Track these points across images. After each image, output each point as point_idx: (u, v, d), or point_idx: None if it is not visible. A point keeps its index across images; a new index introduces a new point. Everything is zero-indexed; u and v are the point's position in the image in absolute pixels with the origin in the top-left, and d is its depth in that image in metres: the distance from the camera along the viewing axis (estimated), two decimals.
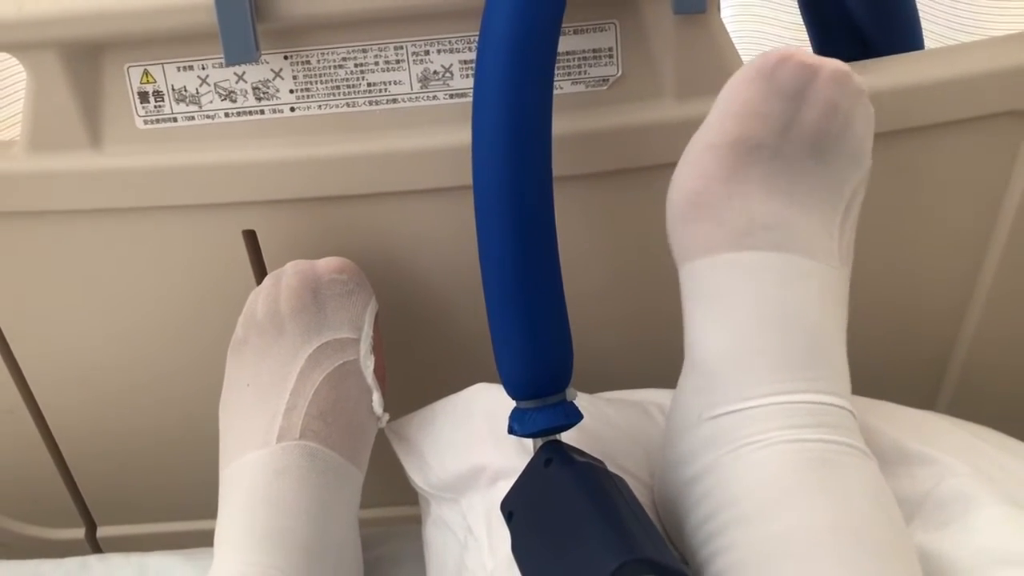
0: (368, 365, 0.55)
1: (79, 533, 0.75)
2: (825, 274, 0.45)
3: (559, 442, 0.47)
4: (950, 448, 0.49)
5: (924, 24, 0.72)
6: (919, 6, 0.71)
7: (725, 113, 0.45)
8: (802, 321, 0.43)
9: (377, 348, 0.56)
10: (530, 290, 0.45)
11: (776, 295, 0.44)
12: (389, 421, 0.59)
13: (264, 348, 0.54)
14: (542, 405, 0.47)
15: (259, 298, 0.55)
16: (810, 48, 0.74)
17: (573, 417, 0.47)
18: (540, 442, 0.48)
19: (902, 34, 0.69)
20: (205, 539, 0.67)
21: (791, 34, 0.94)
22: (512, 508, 0.46)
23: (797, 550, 0.39)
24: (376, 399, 0.55)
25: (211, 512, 0.70)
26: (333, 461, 0.52)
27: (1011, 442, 0.52)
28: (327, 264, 0.55)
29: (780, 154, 0.45)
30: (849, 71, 0.46)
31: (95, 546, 0.75)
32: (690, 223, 0.45)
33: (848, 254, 0.47)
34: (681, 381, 0.47)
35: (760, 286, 0.44)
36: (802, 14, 0.74)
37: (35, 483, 0.72)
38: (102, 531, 0.75)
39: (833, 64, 0.45)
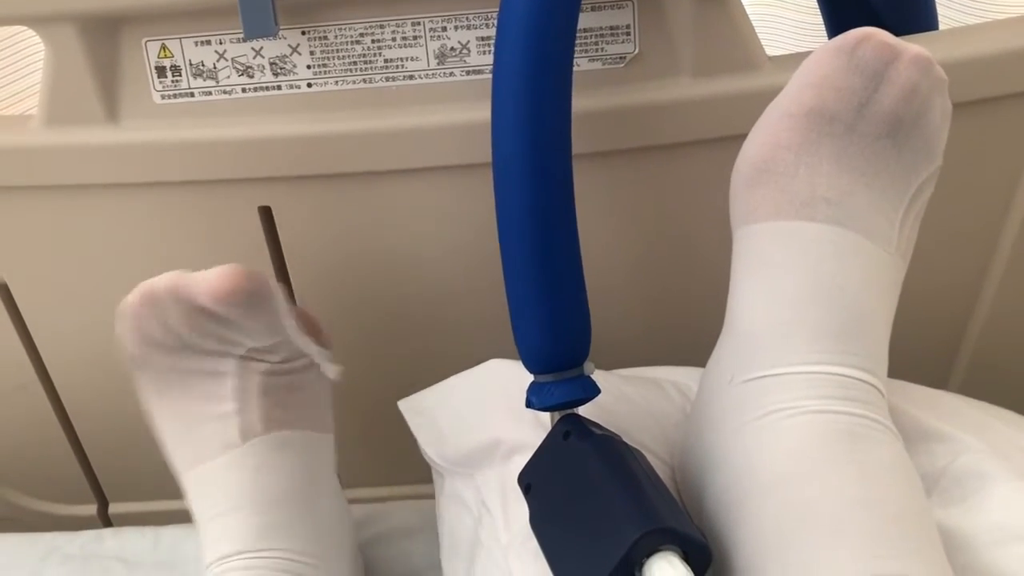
0: (309, 349, 0.52)
1: (91, 510, 0.75)
2: (879, 257, 0.45)
3: (577, 415, 0.47)
4: (966, 425, 0.50)
5: (939, 9, 0.73)
6: None
7: (803, 84, 0.45)
8: (847, 297, 0.44)
9: (308, 323, 0.53)
10: (549, 264, 0.46)
11: (826, 268, 0.44)
12: (400, 397, 0.59)
13: (176, 364, 0.51)
14: (560, 379, 0.47)
15: (141, 322, 0.50)
16: (824, 30, 0.74)
17: (591, 391, 0.47)
18: (557, 416, 0.48)
19: (916, 15, 0.69)
20: None
21: (806, 17, 0.94)
22: (530, 481, 0.47)
23: (820, 521, 0.39)
24: (327, 368, 0.53)
25: None
26: (304, 440, 0.53)
27: (1021, 419, 0.53)
28: (208, 289, 0.47)
29: (854, 131, 0.45)
30: (932, 58, 0.45)
31: (107, 522, 0.76)
32: (754, 188, 0.46)
33: (907, 248, 0.47)
34: (718, 344, 0.47)
35: (812, 257, 0.44)
36: None
37: (48, 459, 0.72)
38: (114, 507, 0.75)
39: (916, 49, 0.45)
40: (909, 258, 0.47)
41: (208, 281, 0.47)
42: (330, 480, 0.55)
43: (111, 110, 0.56)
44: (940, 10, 0.73)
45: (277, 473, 0.51)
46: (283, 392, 0.53)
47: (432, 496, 0.59)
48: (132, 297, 0.50)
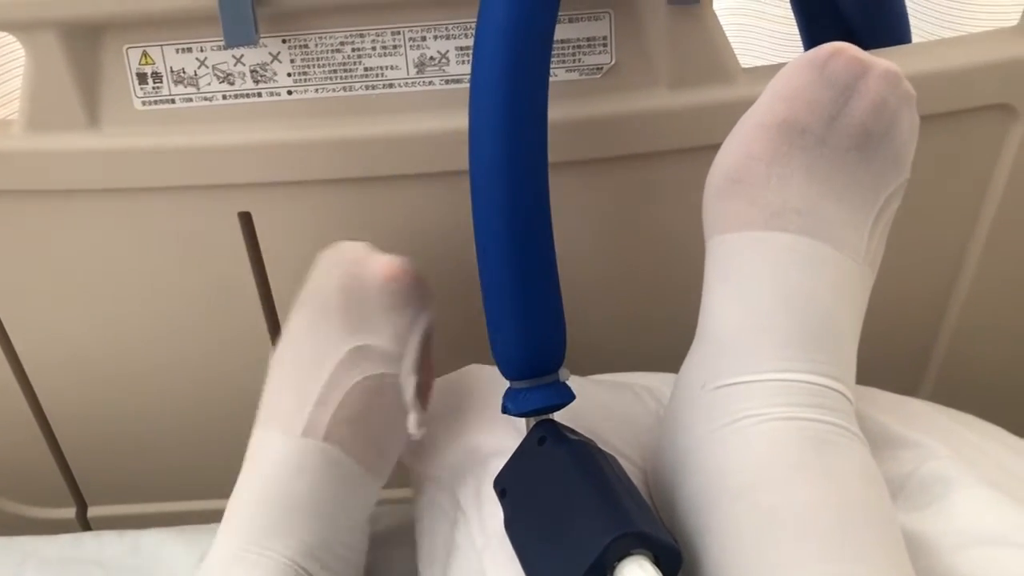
0: (409, 384, 0.52)
1: (70, 513, 0.75)
2: (848, 267, 0.46)
3: (552, 421, 0.48)
4: (932, 432, 0.51)
5: (912, 21, 0.74)
6: (908, 4, 0.72)
7: (775, 96, 0.46)
8: (816, 306, 0.44)
9: (426, 366, 0.54)
10: (525, 271, 0.46)
11: (796, 277, 0.44)
12: None
13: (314, 322, 0.53)
14: (536, 385, 0.48)
15: (316, 273, 0.54)
16: (800, 42, 0.75)
17: (566, 397, 0.48)
18: (533, 422, 0.48)
19: (890, 29, 0.70)
20: (195, 519, 0.67)
21: (783, 28, 0.95)
22: (505, 485, 0.47)
23: (787, 525, 0.40)
24: (412, 420, 0.53)
25: (201, 493, 0.71)
26: (352, 470, 0.52)
27: (990, 427, 0.54)
28: (380, 269, 0.52)
29: (825, 143, 0.45)
30: (900, 73, 0.46)
31: (85, 526, 0.76)
32: (726, 198, 0.46)
33: (876, 258, 0.48)
34: (691, 351, 0.48)
35: (781, 267, 0.45)
36: (793, 8, 0.75)
37: (26, 462, 0.72)
38: (93, 511, 0.75)
39: (885, 64, 0.46)
40: (877, 268, 0.48)
41: (386, 261, 0.52)
42: (359, 521, 0.54)
43: (92, 116, 0.56)
44: (913, 22, 0.75)
45: (311, 484, 0.50)
46: (362, 412, 0.52)
47: (409, 501, 0.59)
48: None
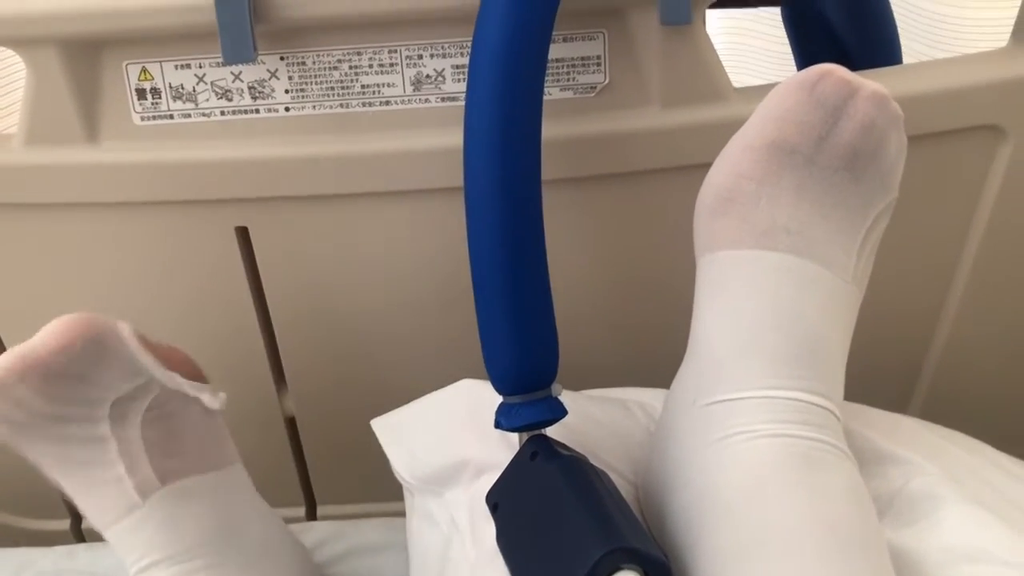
0: (176, 384, 0.50)
1: (64, 524, 0.75)
2: (837, 286, 0.46)
3: (544, 436, 0.48)
4: (920, 449, 0.51)
5: (903, 42, 0.75)
6: (899, 24, 0.73)
7: (765, 117, 0.47)
8: (806, 324, 0.45)
9: (172, 358, 0.51)
10: (519, 287, 0.47)
11: (786, 296, 0.45)
12: (372, 416, 0.60)
13: (49, 432, 0.49)
14: (528, 400, 0.48)
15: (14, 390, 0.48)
16: (793, 62, 0.76)
17: (558, 412, 0.49)
18: (525, 437, 0.49)
19: (882, 49, 0.71)
20: None
21: (776, 47, 0.96)
22: (497, 500, 0.48)
23: (775, 542, 0.41)
24: (206, 399, 0.51)
25: None
26: (206, 483, 0.52)
27: (977, 444, 0.54)
28: (45, 346, 0.47)
29: (814, 163, 0.46)
30: (887, 95, 0.47)
31: (79, 537, 0.76)
32: (717, 217, 0.47)
33: (864, 277, 0.48)
34: (682, 367, 0.49)
35: (771, 285, 0.45)
36: (786, 28, 0.76)
37: (21, 473, 0.72)
38: (87, 522, 0.75)
39: (873, 85, 0.47)
40: (865, 286, 0.49)
41: (43, 340, 0.47)
42: (252, 507, 0.54)
43: (91, 131, 0.57)
44: (904, 43, 0.76)
45: (187, 522, 0.51)
46: (167, 440, 0.51)
47: (403, 514, 0.60)
48: None
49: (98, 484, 0.50)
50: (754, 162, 0.46)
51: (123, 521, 0.50)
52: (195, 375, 0.53)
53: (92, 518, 0.52)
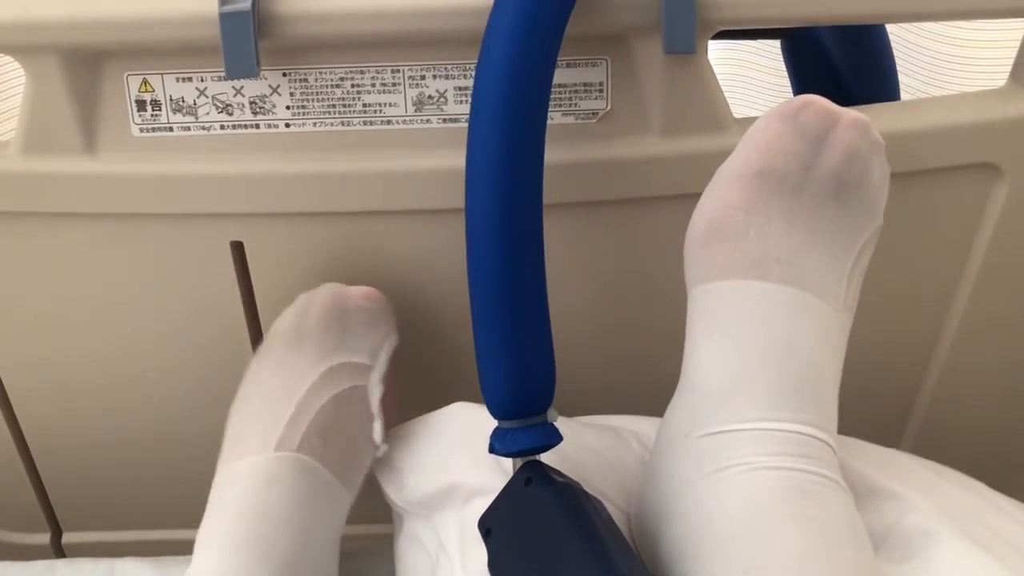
0: (375, 393, 0.56)
1: (44, 538, 0.74)
2: (828, 315, 0.46)
3: (539, 462, 0.48)
4: (914, 485, 0.51)
5: (901, 78, 0.75)
6: (898, 63, 0.74)
7: (750, 148, 0.48)
8: (799, 354, 0.45)
9: (388, 380, 0.57)
10: (517, 312, 0.47)
11: (779, 326, 0.45)
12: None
13: (283, 358, 0.55)
14: (524, 425, 0.48)
15: (289, 312, 0.57)
16: (792, 93, 0.76)
17: (554, 438, 0.48)
18: (519, 462, 0.49)
19: (880, 84, 0.72)
20: (172, 548, 0.67)
21: (774, 79, 0.97)
22: (490, 525, 0.47)
23: (770, 574, 0.40)
24: (377, 428, 0.55)
25: (180, 521, 0.70)
26: (325, 478, 0.53)
27: (971, 481, 0.54)
28: (359, 291, 0.57)
29: (802, 191, 0.47)
30: (868, 122, 0.48)
31: (59, 552, 0.75)
32: (707, 248, 0.47)
33: (852, 305, 0.48)
34: (675, 398, 0.48)
35: (764, 315, 0.45)
36: (785, 61, 0.77)
37: (2, 486, 0.71)
38: (68, 537, 0.74)
39: (853, 113, 0.48)
40: (854, 313, 0.49)
41: (358, 289, 0.58)
42: (331, 535, 0.54)
43: (89, 141, 0.56)
44: (902, 79, 0.76)
45: (286, 494, 0.51)
46: (333, 423, 0.54)
47: (390, 536, 0.59)
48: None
49: (261, 416, 0.53)
50: (742, 191, 0.47)
51: (244, 459, 0.52)
52: (388, 411, 0.57)
53: (228, 446, 0.54)
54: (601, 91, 0.56)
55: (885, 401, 0.68)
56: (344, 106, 0.56)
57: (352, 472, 0.55)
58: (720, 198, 0.47)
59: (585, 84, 0.56)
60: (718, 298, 0.47)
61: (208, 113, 0.56)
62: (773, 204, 0.46)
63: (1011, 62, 0.59)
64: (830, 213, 0.47)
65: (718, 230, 0.47)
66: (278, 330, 0.57)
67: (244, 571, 0.49)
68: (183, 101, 0.56)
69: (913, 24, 0.92)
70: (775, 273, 0.46)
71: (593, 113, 0.56)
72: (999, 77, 0.61)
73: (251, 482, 0.51)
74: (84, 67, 0.54)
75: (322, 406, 0.53)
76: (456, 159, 0.50)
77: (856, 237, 0.48)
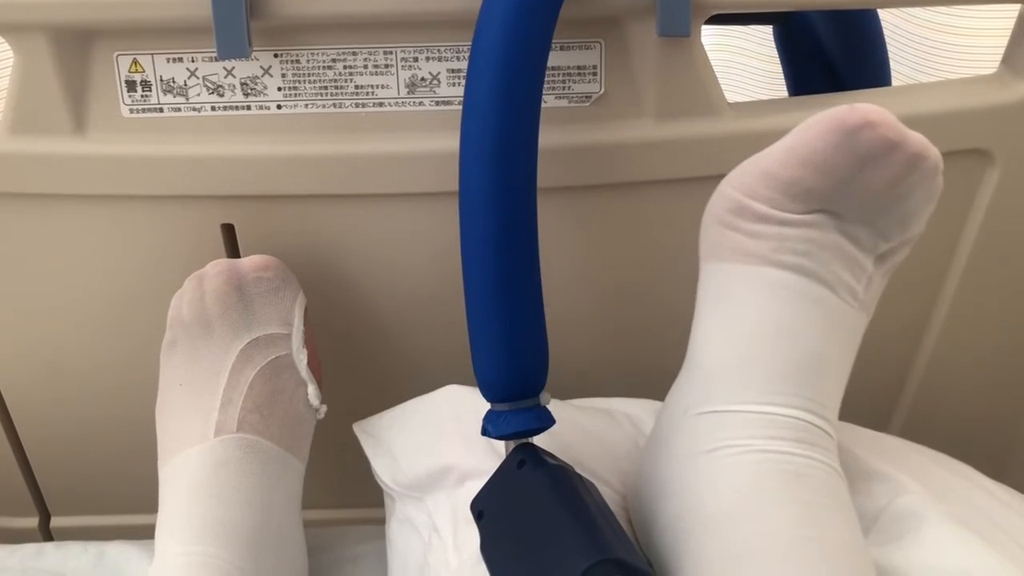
0: (301, 359, 0.56)
1: (32, 523, 0.74)
2: (841, 308, 0.46)
3: (532, 445, 0.48)
4: (904, 467, 0.51)
5: (893, 66, 0.75)
6: (889, 50, 0.74)
7: (792, 151, 0.45)
8: (806, 342, 0.45)
9: (309, 341, 0.57)
10: (509, 295, 0.47)
11: (788, 313, 0.45)
12: (356, 420, 0.59)
13: (194, 348, 0.55)
14: (516, 408, 0.48)
15: (184, 300, 0.56)
16: (784, 81, 0.76)
17: (546, 421, 0.48)
18: (511, 445, 0.49)
19: (872, 71, 0.72)
20: None
21: (767, 66, 0.97)
22: (482, 508, 0.47)
23: (762, 556, 0.40)
24: (312, 391, 0.56)
25: None
26: (272, 452, 0.53)
27: (959, 465, 0.55)
28: (251, 262, 0.56)
29: (829, 200, 0.45)
30: (928, 154, 0.45)
31: (48, 536, 0.74)
32: (726, 228, 0.47)
33: (871, 303, 0.48)
34: (679, 375, 0.48)
35: (775, 302, 0.45)
36: (777, 47, 0.76)
37: None
38: (56, 521, 0.74)
39: (916, 145, 0.44)
40: (872, 312, 0.48)
41: (249, 259, 0.56)
42: (290, 506, 0.55)
43: (78, 122, 0.56)
44: (893, 66, 0.76)
45: (236, 473, 0.52)
46: (267, 397, 0.54)
47: (382, 521, 0.59)
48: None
49: (192, 409, 0.54)
50: (769, 190, 0.46)
51: (187, 450, 0.52)
52: (316, 372, 0.57)
53: (162, 448, 0.55)
54: (595, 74, 0.56)
55: (873, 387, 0.68)
56: (336, 88, 0.56)
57: (297, 440, 0.55)
58: (747, 187, 0.46)
59: (579, 67, 0.55)
60: (729, 280, 0.46)
61: (199, 94, 0.56)
62: (800, 205, 0.45)
63: (1000, 50, 0.59)
64: (855, 220, 0.46)
65: (738, 215, 0.46)
66: (178, 321, 0.56)
67: (210, 556, 0.49)
68: (174, 82, 0.55)
69: (902, 10, 0.92)
70: (791, 262, 0.45)
71: (587, 96, 0.56)
72: (987, 65, 0.61)
73: (199, 469, 0.52)
74: (73, 46, 0.54)
75: (250, 384, 0.54)
76: (449, 142, 0.50)
77: (879, 242, 0.47)
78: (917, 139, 0.45)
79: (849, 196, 0.45)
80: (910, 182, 0.45)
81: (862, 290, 0.47)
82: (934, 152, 0.45)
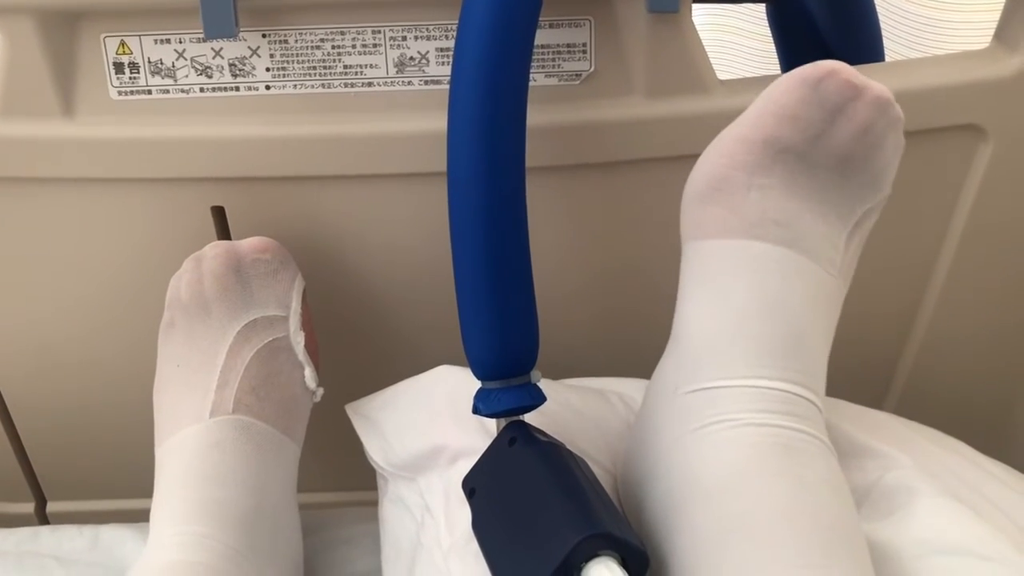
0: (298, 341, 0.56)
1: (28, 508, 0.74)
2: (822, 279, 0.46)
3: (523, 422, 0.48)
4: (896, 443, 0.51)
5: (885, 44, 0.75)
6: (881, 26, 0.73)
7: (763, 111, 0.46)
8: (790, 315, 0.45)
9: (307, 324, 0.57)
10: (499, 273, 0.46)
11: (772, 286, 0.45)
12: (348, 402, 0.59)
13: (192, 329, 0.55)
14: (507, 386, 0.48)
15: (182, 281, 0.56)
16: (776, 58, 0.76)
17: (537, 398, 0.48)
18: (503, 423, 0.49)
19: (865, 48, 0.72)
20: None
21: (759, 44, 0.97)
22: (474, 485, 0.47)
23: (754, 530, 0.40)
24: (308, 374, 0.56)
25: None
26: (267, 433, 0.54)
27: (951, 441, 0.55)
28: (249, 244, 0.56)
29: (806, 159, 0.46)
30: (891, 99, 0.46)
31: (44, 521, 0.75)
32: (706, 205, 0.47)
33: (848, 271, 0.48)
34: (665, 354, 0.48)
35: (758, 275, 0.45)
36: (770, 25, 0.76)
37: None
38: (52, 506, 0.74)
39: (877, 89, 0.46)
40: (850, 280, 0.49)
41: (248, 240, 0.56)
42: (285, 487, 0.55)
43: (67, 104, 0.56)
44: (886, 43, 0.76)
45: (231, 454, 0.52)
46: (263, 379, 0.54)
47: (374, 502, 0.59)
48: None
49: (188, 389, 0.54)
50: (747, 154, 0.46)
51: (182, 431, 0.53)
52: (313, 354, 0.57)
53: (160, 426, 0.55)
54: (584, 52, 0.55)
55: (867, 364, 0.68)
56: (325, 68, 0.56)
57: (293, 422, 0.55)
58: (725, 157, 0.47)
59: (568, 45, 0.55)
60: (712, 256, 0.46)
61: (187, 76, 0.56)
62: (777, 169, 0.46)
63: (992, 25, 0.59)
64: (832, 182, 0.46)
65: (718, 189, 0.46)
66: (176, 302, 0.56)
67: (204, 537, 0.49)
68: (161, 63, 0.55)
69: None
70: (772, 235, 0.45)
71: (576, 75, 0.56)
72: (978, 40, 0.61)
73: (195, 450, 0.52)
74: (60, 29, 0.53)
75: (246, 365, 0.54)
76: (438, 121, 0.49)
77: (856, 206, 0.47)
78: (879, 85, 0.46)
79: (824, 151, 0.46)
80: (881, 126, 0.46)
81: (839, 259, 0.47)
82: (892, 97, 0.47)
